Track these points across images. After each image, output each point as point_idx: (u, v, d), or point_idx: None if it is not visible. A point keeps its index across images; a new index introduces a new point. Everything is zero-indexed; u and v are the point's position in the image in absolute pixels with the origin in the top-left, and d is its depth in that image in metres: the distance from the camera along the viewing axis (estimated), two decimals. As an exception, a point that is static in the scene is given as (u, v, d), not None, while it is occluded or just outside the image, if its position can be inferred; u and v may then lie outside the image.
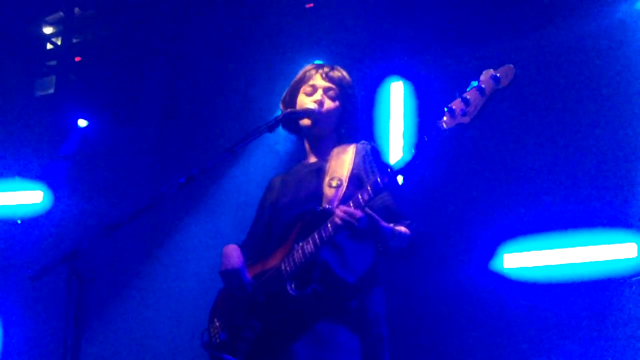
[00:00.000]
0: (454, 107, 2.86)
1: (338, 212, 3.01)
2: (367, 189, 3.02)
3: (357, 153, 3.42)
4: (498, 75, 2.77)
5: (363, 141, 3.51)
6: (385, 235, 3.11)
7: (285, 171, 3.74)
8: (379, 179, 2.99)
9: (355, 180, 3.32)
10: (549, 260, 5.30)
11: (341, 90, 3.49)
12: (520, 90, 5.43)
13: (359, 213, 2.98)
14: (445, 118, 2.88)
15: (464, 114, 2.83)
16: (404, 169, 2.95)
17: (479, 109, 2.81)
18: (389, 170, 2.98)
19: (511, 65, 2.78)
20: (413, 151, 2.93)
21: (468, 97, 2.84)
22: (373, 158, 3.40)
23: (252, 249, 3.59)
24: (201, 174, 3.09)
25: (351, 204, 3.05)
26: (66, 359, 2.69)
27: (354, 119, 3.55)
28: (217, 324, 3.39)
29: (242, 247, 3.60)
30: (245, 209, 4.05)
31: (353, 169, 3.36)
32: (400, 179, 3.16)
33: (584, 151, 5.37)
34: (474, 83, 2.84)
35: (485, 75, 2.81)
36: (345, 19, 6.27)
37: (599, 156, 5.31)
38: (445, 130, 2.87)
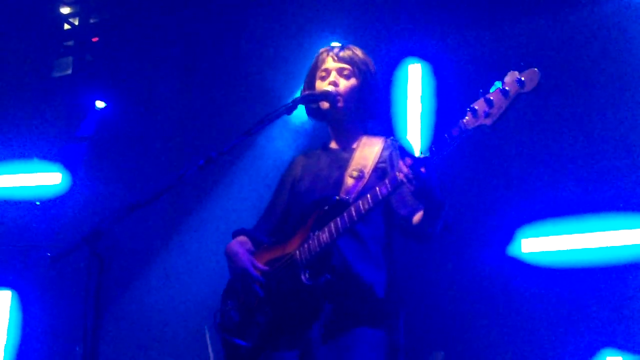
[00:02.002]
0: (476, 107, 2.84)
1: (401, 168, 2.92)
2: (386, 184, 3.01)
3: (385, 147, 3.39)
4: (522, 78, 2.75)
5: (392, 137, 3.49)
6: (438, 203, 3.01)
7: (308, 152, 3.70)
8: (397, 174, 2.97)
9: (380, 173, 3.30)
10: (567, 245, 5.29)
11: (355, 68, 3.45)
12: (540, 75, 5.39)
13: (417, 173, 2.87)
14: (467, 118, 2.86)
15: (486, 115, 2.81)
16: (424, 165, 2.91)
17: (502, 112, 2.79)
18: (406, 165, 2.93)
19: (536, 69, 2.75)
20: (433, 148, 2.90)
21: (491, 98, 2.81)
22: (400, 157, 3.37)
23: (268, 226, 3.57)
24: (220, 156, 3.08)
25: (369, 197, 3.04)
26: (86, 339, 2.69)
27: (374, 94, 3.50)
28: (230, 307, 3.37)
29: (258, 224, 3.60)
30: (264, 190, 4.03)
31: (379, 161, 3.34)
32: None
33: (603, 136, 5.34)
34: (498, 84, 2.82)
35: (510, 77, 2.78)
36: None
37: (618, 140, 5.28)
38: (467, 130, 2.86)
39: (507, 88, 2.78)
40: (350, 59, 3.46)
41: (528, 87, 2.75)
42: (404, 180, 2.91)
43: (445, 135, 2.89)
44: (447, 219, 3.12)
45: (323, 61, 3.50)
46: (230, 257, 3.40)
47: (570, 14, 5.50)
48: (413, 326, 3.32)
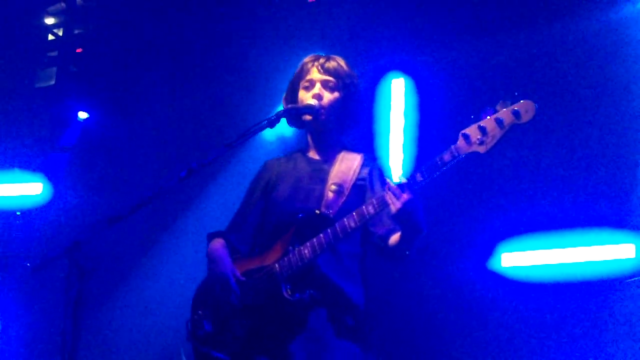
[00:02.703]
0: (469, 133, 2.85)
1: (388, 191, 2.94)
2: (373, 203, 3.02)
3: (363, 165, 3.41)
4: (517, 109, 2.77)
5: (371, 155, 3.52)
6: (421, 227, 3.04)
7: (283, 157, 3.69)
8: (386, 195, 2.98)
9: (358, 190, 3.32)
10: (547, 260, 5.30)
11: (339, 81, 3.45)
12: (520, 88, 5.42)
13: (407, 195, 2.91)
14: (459, 143, 2.87)
15: (481, 142, 2.82)
16: (414, 188, 2.93)
17: (496, 141, 2.81)
18: (398, 186, 2.94)
19: (531, 102, 2.77)
20: (425, 172, 2.91)
21: (484, 125, 2.82)
22: (379, 175, 3.39)
23: (241, 232, 3.53)
24: (201, 168, 3.08)
25: (355, 216, 3.05)
26: (65, 350, 2.69)
27: (356, 107, 3.52)
28: (202, 316, 3.34)
29: (229, 229, 3.56)
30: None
31: (358, 178, 3.35)
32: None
33: (583, 151, 5.36)
34: (490, 111, 2.83)
35: (504, 106, 2.80)
36: (346, 13, 6.26)
37: (598, 156, 5.30)
38: (459, 156, 2.87)
39: (501, 117, 2.79)
40: (335, 72, 3.46)
41: (524, 119, 2.77)
42: (391, 202, 2.93)
43: (437, 159, 2.90)
44: (422, 243, 3.15)
45: (308, 71, 3.49)
46: (214, 260, 3.37)
47: (555, 27, 5.53)
48: (392, 340, 3.33)
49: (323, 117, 3.41)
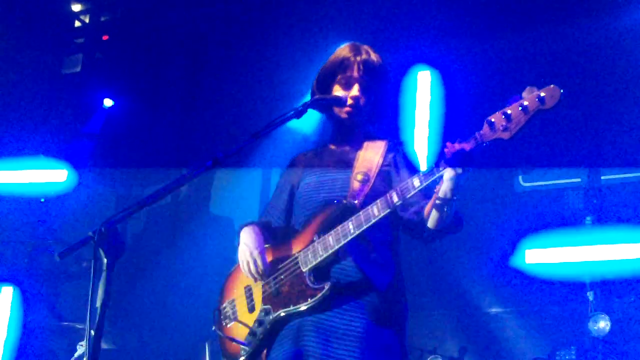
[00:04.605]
0: (494, 120, 2.82)
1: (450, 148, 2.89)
2: (397, 191, 3.00)
3: (388, 150, 3.36)
4: (542, 95, 2.74)
5: (395, 140, 3.47)
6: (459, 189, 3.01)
7: (310, 150, 3.64)
8: (410, 184, 2.97)
9: (384, 176, 3.29)
10: (570, 257, 5.27)
11: (376, 83, 3.40)
12: (545, 80, 5.38)
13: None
14: (484, 130, 2.85)
15: (504, 129, 2.80)
16: (438, 176, 2.91)
17: (520, 127, 2.79)
18: (421, 174, 2.93)
19: (556, 87, 2.74)
20: (449, 159, 2.89)
21: (509, 112, 2.79)
22: (404, 159, 3.36)
23: (270, 225, 3.51)
24: (227, 158, 3.06)
25: (379, 203, 3.04)
26: (89, 337, 2.69)
27: (385, 105, 3.49)
28: (229, 306, 3.36)
29: (260, 222, 3.53)
30: (269, 195, 4.07)
31: (383, 165, 3.31)
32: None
33: (611, 147, 5.34)
34: (517, 98, 2.80)
35: (529, 93, 2.77)
36: (373, 4, 6.24)
37: (627, 152, 5.27)
38: (483, 142, 2.85)
39: (526, 104, 2.76)
40: (375, 73, 3.38)
41: (548, 105, 2.74)
42: (416, 189, 2.92)
43: (463, 149, 2.87)
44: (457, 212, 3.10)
45: (348, 67, 3.38)
46: (249, 234, 3.35)
47: (581, 24, 5.51)
48: (411, 329, 3.30)
49: (355, 117, 3.38)
